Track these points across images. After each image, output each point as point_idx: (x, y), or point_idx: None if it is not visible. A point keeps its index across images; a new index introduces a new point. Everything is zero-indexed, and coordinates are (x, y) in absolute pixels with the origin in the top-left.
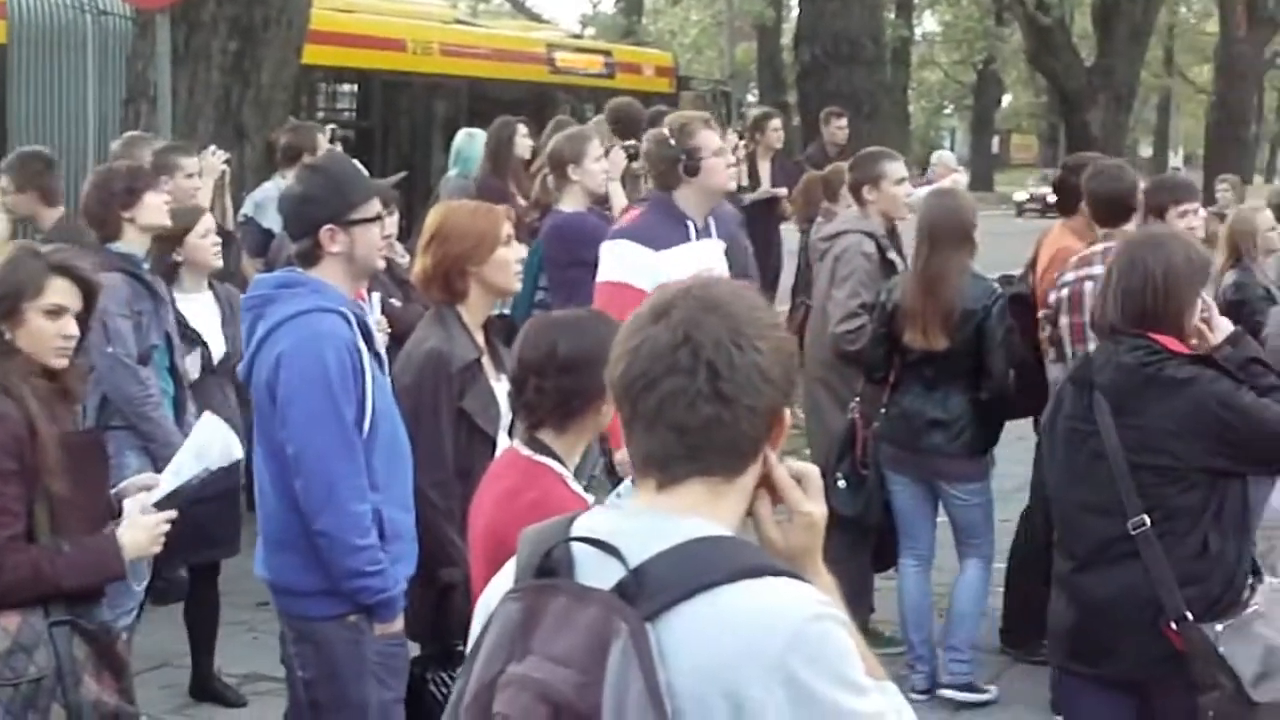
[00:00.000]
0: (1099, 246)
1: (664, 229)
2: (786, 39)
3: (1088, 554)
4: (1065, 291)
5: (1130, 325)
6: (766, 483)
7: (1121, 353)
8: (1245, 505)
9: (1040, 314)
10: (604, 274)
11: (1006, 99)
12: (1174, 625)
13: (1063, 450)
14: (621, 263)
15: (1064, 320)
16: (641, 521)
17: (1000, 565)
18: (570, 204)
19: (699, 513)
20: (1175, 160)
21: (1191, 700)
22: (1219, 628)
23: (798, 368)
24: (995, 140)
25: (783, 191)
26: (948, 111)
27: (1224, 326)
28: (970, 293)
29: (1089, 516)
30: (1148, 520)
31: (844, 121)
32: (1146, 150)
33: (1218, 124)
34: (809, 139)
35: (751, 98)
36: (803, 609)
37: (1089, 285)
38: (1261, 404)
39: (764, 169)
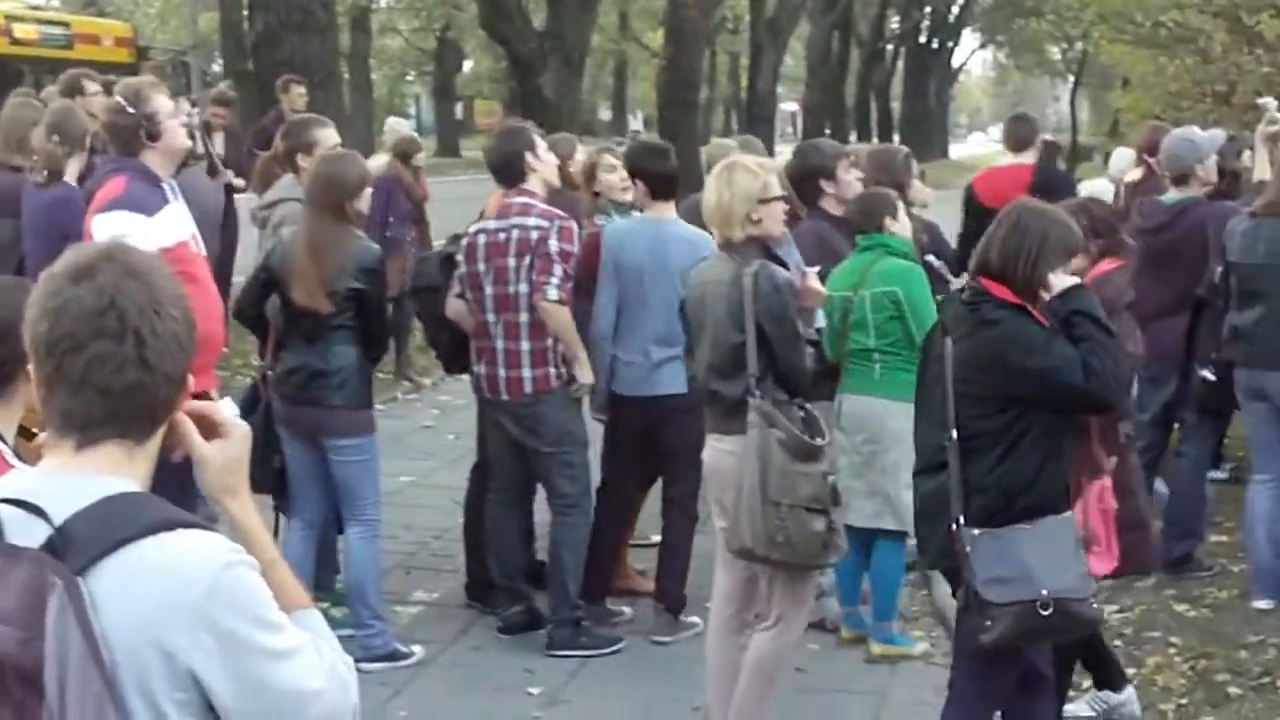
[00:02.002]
0: (504, 203)
1: (150, 195)
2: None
3: (924, 460)
4: (464, 242)
5: (995, 276)
6: (172, 435)
7: (963, 293)
8: (1057, 440)
9: None
10: None
11: (468, 65)
12: (953, 526)
13: (924, 370)
14: (114, 235)
15: (463, 269)
16: (61, 481)
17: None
18: (72, 175)
19: (115, 472)
20: (635, 123)
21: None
22: (976, 532)
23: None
24: (459, 106)
25: (228, 175)
26: (410, 79)
27: (1062, 282)
28: (354, 255)
29: (929, 427)
30: (955, 435)
31: (302, 89)
32: (606, 114)
33: (669, 87)
34: (267, 107)
35: (216, 67)
36: (216, 557)
37: (482, 238)
38: (1060, 355)
39: (217, 140)
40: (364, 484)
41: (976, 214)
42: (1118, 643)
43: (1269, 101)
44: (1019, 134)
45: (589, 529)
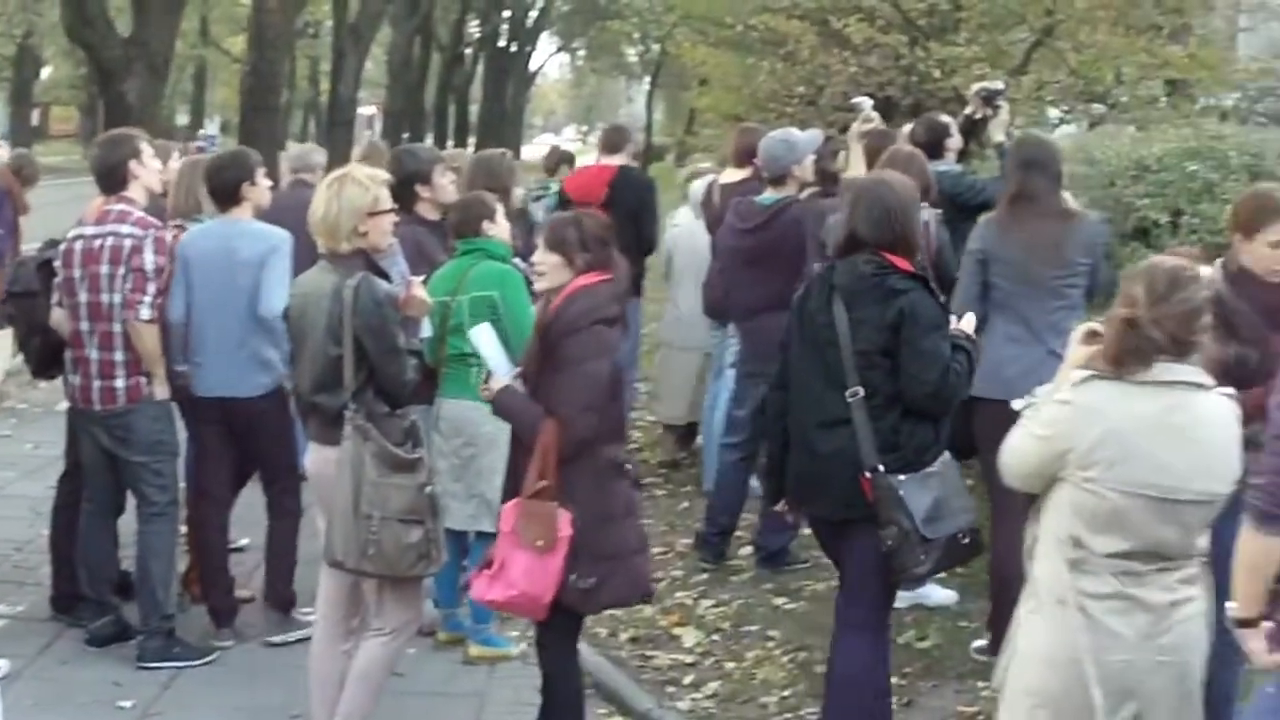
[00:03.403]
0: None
1: None
2: None
3: (821, 417)
4: (62, 248)
5: (872, 245)
6: None
7: (859, 264)
8: None
9: None
10: None
11: (46, 71)
12: (868, 475)
13: (807, 334)
14: None
15: (60, 275)
16: None
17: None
18: None
19: None
20: (212, 128)
21: (876, 535)
22: (901, 478)
23: None
24: (36, 112)
25: None
26: None
27: (968, 324)
28: None
29: (823, 388)
30: (861, 392)
31: None
32: (184, 118)
33: (251, 92)
34: None
35: None
36: None
37: (79, 244)
38: (938, 347)
39: None
40: None
41: (566, 208)
42: (715, 636)
43: (864, 101)
44: (610, 140)
45: (175, 537)
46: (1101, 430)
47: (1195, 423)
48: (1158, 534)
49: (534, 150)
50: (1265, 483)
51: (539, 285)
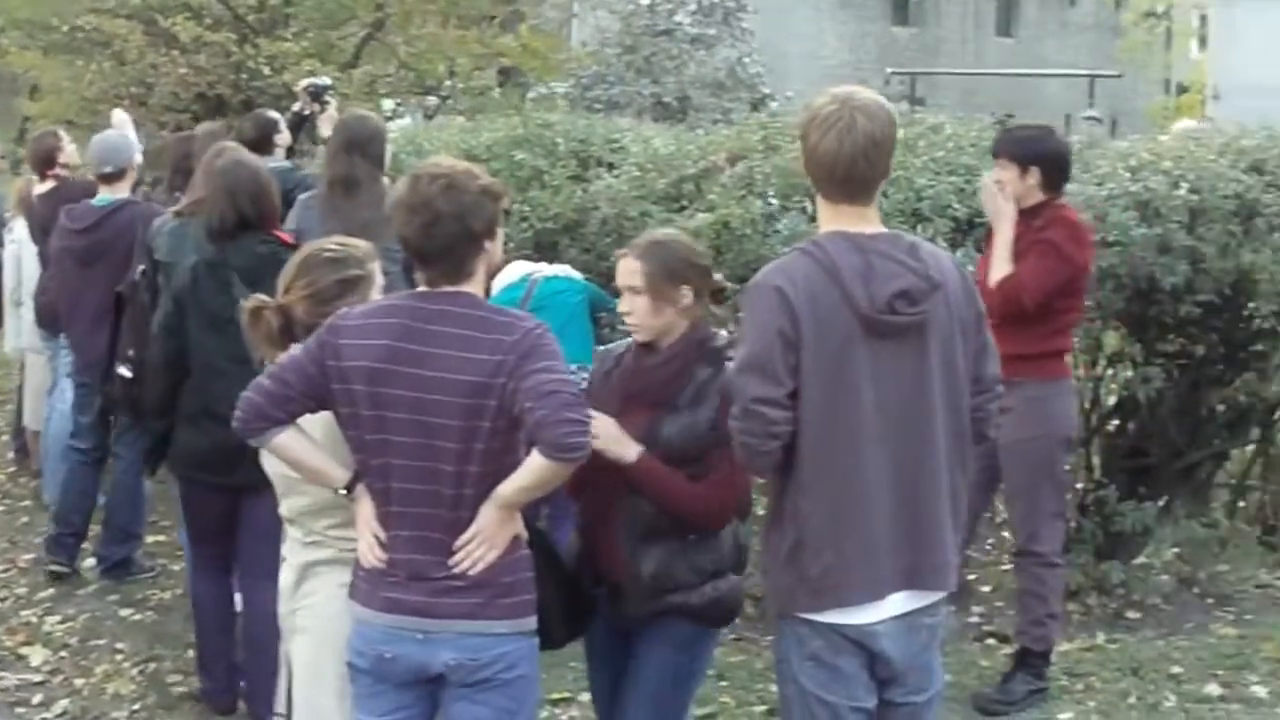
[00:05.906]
0: None
1: None
2: None
3: (233, 391)
4: None
5: (249, 228)
6: None
7: (255, 245)
8: None
9: None
10: None
11: None
12: None
13: (204, 320)
14: None
15: None
16: None
17: None
18: None
19: None
20: None
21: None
22: None
23: None
24: None
25: None
26: None
27: None
28: None
29: (229, 364)
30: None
31: None
32: None
33: None
34: None
35: None
36: None
37: None
38: None
39: None
40: None
41: None
42: (63, 653)
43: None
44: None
45: None
46: None
47: None
48: (287, 502)
49: None
50: (241, 397)
51: None
